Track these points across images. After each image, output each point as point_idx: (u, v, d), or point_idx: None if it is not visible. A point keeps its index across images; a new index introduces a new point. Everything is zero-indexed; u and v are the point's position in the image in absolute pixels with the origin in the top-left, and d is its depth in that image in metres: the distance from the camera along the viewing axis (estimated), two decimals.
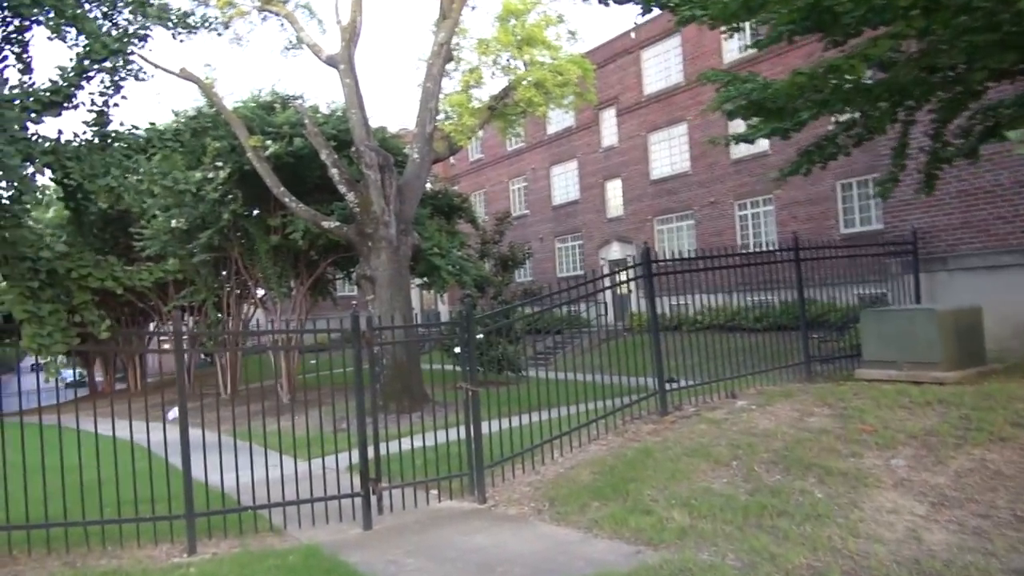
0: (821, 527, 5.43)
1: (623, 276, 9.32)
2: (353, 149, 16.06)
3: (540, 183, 33.07)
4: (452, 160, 37.94)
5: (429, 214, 20.27)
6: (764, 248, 18.51)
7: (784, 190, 22.23)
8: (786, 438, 7.33)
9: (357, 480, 7.43)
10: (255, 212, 19.36)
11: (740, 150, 23.77)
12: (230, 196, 18.04)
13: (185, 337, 7.27)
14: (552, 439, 8.41)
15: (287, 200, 16.36)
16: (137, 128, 8.73)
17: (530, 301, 8.11)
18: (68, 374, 32.59)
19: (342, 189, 15.93)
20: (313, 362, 33.54)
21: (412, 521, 7.21)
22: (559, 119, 31.54)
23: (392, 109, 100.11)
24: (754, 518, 5.78)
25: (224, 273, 21.98)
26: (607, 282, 9.60)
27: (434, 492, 8.15)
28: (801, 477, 6.40)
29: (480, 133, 37.86)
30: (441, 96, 17.58)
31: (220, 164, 17.11)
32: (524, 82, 18.48)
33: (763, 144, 22.70)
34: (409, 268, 17.23)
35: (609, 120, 29.13)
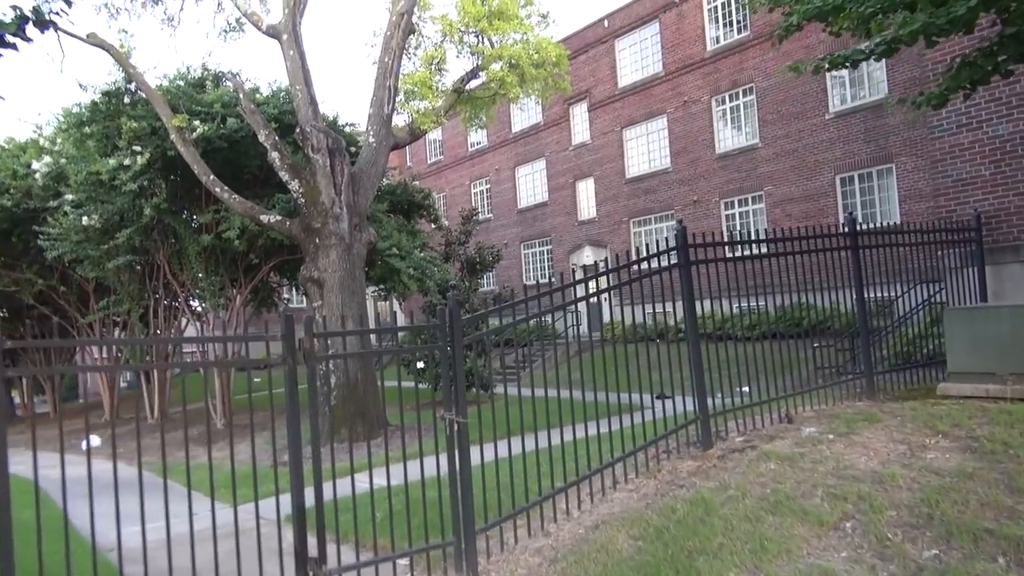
0: None
1: (655, 264, 7.07)
2: (297, 131, 13.59)
3: (504, 185, 30.85)
4: (409, 163, 35.60)
5: (387, 211, 17.84)
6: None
7: (776, 185, 20.40)
8: (913, 486, 5.14)
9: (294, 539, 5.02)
10: (184, 208, 16.67)
11: (726, 144, 21.95)
12: (152, 188, 15.37)
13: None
14: (565, 487, 6.08)
15: (218, 190, 13.79)
16: None
17: (533, 297, 5.76)
18: None
19: (284, 177, 13.44)
20: (257, 380, 30.73)
21: None
22: (525, 116, 29.44)
23: (343, 100, 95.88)
24: None
25: (152, 280, 19.16)
26: (623, 275, 7.35)
27: (403, 563, 5.80)
28: (975, 553, 4.21)
29: (439, 134, 35.69)
30: (402, 74, 15.28)
31: (138, 148, 14.46)
32: (496, 64, 16.31)
33: (752, 137, 20.92)
34: (364, 271, 14.81)
35: (580, 115, 27.09)
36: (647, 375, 6.85)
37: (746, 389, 7.37)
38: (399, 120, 16.62)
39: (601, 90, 25.89)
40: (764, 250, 7.86)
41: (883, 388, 8.51)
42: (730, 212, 21.99)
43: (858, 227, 8.42)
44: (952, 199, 10.17)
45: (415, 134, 15.98)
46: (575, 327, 8.36)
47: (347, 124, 18.55)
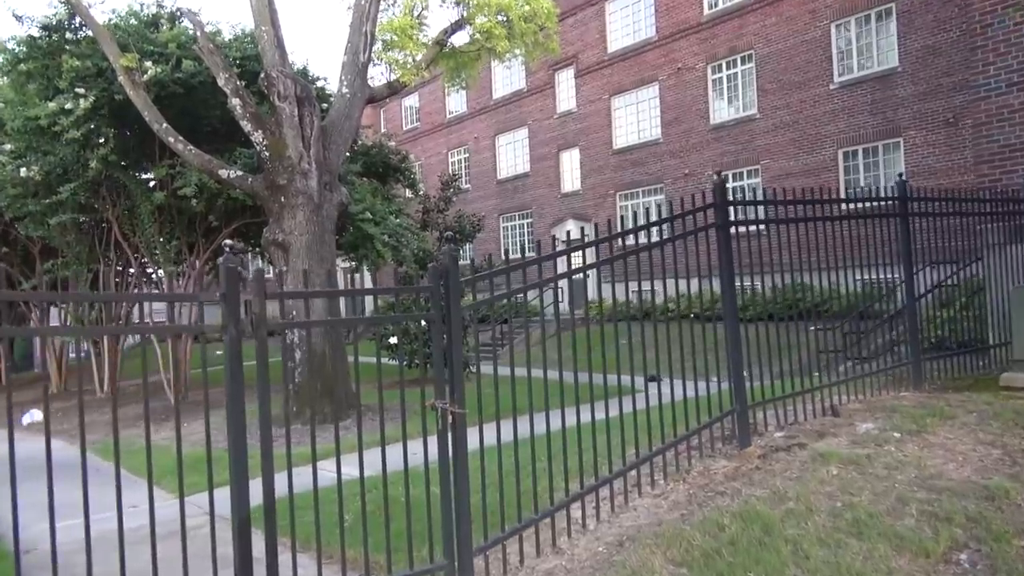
0: None
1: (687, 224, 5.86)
2: (262, 76, 12.14)
3: (484, 154, 29.47)
4: (384, 129, 34.01)
5: (360, 172, 16.43)
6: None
7: (773, 159, 19.34)
8: None
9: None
10: (136, 162, 15.12)
11: (721, 115, 20.82)
12: (98, 137, 13.81)
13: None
14: (582, 494, 4.88)
15: (171, 140, 12.30)
16: None
17: (551, 256, 4.53)
18: None
19: (247, 127, 11.99)
20: (219, 353, 29.17)
21: None
22: (508, 81, 28.04)
23: (313, 53, 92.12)
24: None
25: (102, 243, 17.57)
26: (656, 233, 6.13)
27: None
28: None
29: (416, 100, 34.11)
30: (380, 22, 13.87)
31: (81, 91, 12.88)
32: (482, 17, 14.96)
33: (750, 107, 19.82)
34: (334, 236, 13.46)
35: (566, 82, 25.75)
36: (634, 356, 5.65)
37: (744, 373, 6.10)
38: (376, 73, 15.26)
39: (589, 55, 24.57)
40: (816, 212, 6.70)
41: (927, 377, 7.45)
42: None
43: (908, 192, 7.30)
44: (997, 167, 9.11)
45: (393, 88, 14.59)
46: (557, 304, 7.15)
47: (318, 78, 17.07)
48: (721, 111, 20.90)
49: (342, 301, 22.19)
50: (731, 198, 5.92)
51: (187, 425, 13.27)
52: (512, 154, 28.24)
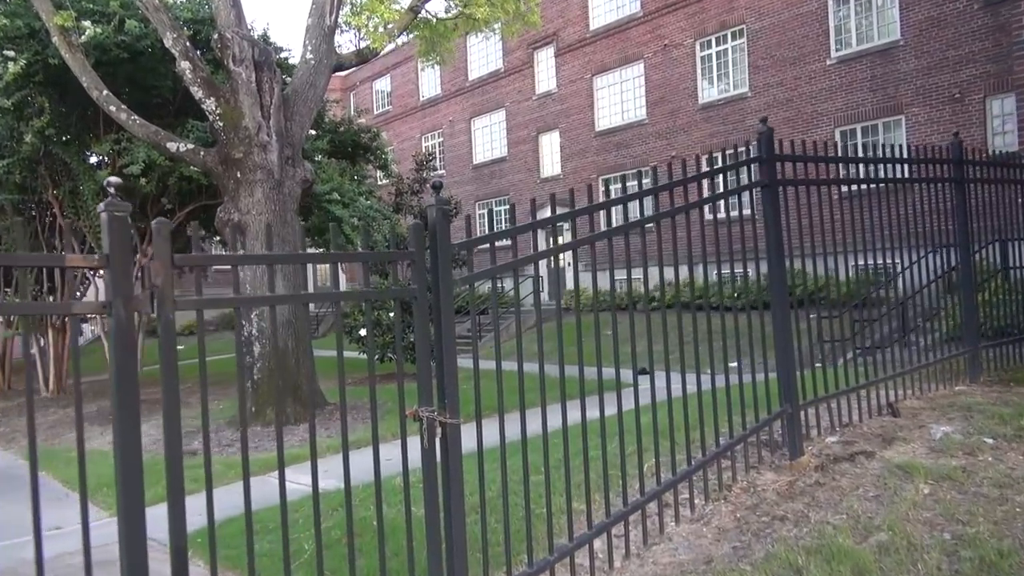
0: None
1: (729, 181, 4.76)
2: (216, 37, 10.84)
3: (459, 138, 28.22)
4: (354, 110, 32.61)
5: (327, 151, 15.16)
6: None
7: None
8: None
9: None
10: (78, 137, 13.71)
11: (712, 93, 19.80)
12: (33, 107, 12.40)
13: None
14: (608, 525, 3.74)
15: (112, 109, 10.95)
16: None
17: (585, 211, 3.42)
18: None
19: (198, 93, 10.69)
20: (181, 348, 27.68)
21: None
22: (484, 61, 26.82)
23: (275, 22, 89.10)
24: None
25: (43, 229, 16.10)
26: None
27: None
28: None
29: (387, 83, 32.71)
30: None
31: (10, 53, 11.47)
32: None
33: (741, 86, 18.84)
34: (298, 218, 12.21)
35: (546, 61, 24.58)
36: (620, 348, 4.56)
37: (733, 364, 4.81)
38: (344, 41, 14.02)
39: (570, 33, 23.43)
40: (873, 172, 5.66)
41: (985, 367, 6.45)
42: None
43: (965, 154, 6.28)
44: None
45: (363, 56, 13.33)
46: (577, 276, 6.07)
47: (281, 48, 15.74)
48: (710, 89, 19.88)
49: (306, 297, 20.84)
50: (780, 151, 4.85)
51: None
52: (489, 138, 27.03)
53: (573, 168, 23.53)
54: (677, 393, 4.33)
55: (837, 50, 17.18)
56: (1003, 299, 6.98)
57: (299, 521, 5.75)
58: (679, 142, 20.39)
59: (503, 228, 3.76)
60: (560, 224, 3.80)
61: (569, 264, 21.45)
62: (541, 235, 19.23)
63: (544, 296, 21.45)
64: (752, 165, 4.83)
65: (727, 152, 4.81)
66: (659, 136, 20.91)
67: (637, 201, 4.26)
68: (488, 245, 3.45)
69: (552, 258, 3.93)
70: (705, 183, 4.66)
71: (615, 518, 3.77)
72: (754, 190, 4.80)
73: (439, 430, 3.18)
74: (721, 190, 4.72)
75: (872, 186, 5.64)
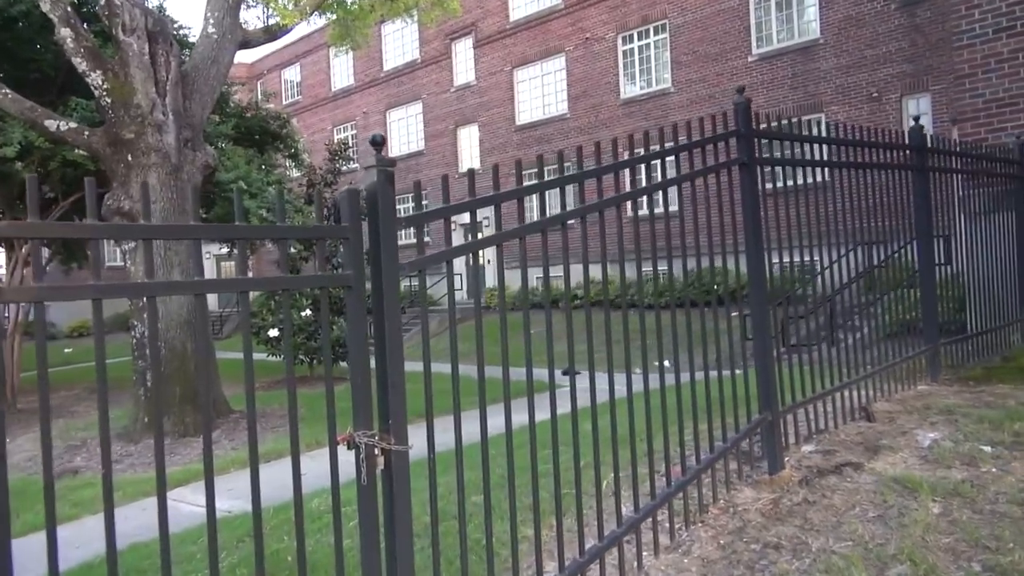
0: None
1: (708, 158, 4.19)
2: (102, 3, 9.67)
3: (374, 130, 27.12)
4: (260, 94, 31.07)
5: (232, 136, 14.01)
6: None
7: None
8: None
9: None
10: None
11: (634, 88, 19.56)
12: None
13: None
14: (582, 566, 3.08)
15: None
16: None
17: (575, 178, 2.73)
18: None
19: (81, 66, 9.48)
20: (68, 351, 25.50)
21: None
22: (400, 51, 25.88)
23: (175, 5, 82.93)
24: None
25: None
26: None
27: None
28: None
29: (297, 72, 31.24)
30: None
31: None
32: None
33: (664, 81, 18.66)
34: (199, 209, 11.07)
35: (464, 52, 23.88)
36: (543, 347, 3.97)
37: (667, 363, 4.16)
38: (251, 17, 12.94)
39: (489, 24, 22.80)
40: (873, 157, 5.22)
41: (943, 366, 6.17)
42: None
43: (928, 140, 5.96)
44: (983, 124, 8.00)
45: (271, 33, 12.31)
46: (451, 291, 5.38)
47: (181, 26, 14.51)
48: (633, 84, 19.63)
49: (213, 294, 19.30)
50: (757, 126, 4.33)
51: (10, 442, 10.65)
52: (404, 130, 26.12)
53: (493, 163, 22.87)
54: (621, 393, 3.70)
55: (758, 47, 17.18)
56: (944, 295, 6.77)
57: (196, 555, 4.89)
58: (601, 137, 20.03)
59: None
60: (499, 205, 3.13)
61: (489, 262, 20.83)
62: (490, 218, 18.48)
63: (463, 294, 20.78)
64: (728, 141, 4.27)
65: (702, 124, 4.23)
66: (581, 131, 20.54)
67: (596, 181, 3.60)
68: (442, 221, 2.74)
69: (497, 247, 3.23)
70: (669, 161, 4.06)
71: (589, 555, 3.12)
72: (731, 168, 4.24)
73: (380, 459, 2.46)
74: (688, 170, 4.14)
75: (850, 172, 5.20)
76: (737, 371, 4.21)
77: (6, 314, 13.69)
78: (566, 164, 3.47)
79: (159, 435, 2.02)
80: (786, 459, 4.32)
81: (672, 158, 3.92)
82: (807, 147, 4.93)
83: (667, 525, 3.67)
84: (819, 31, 16.11)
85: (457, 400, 2.71)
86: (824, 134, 5.31)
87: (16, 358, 13.96)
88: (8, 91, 9.70)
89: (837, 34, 15.78)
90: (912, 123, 6.06)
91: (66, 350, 23.79)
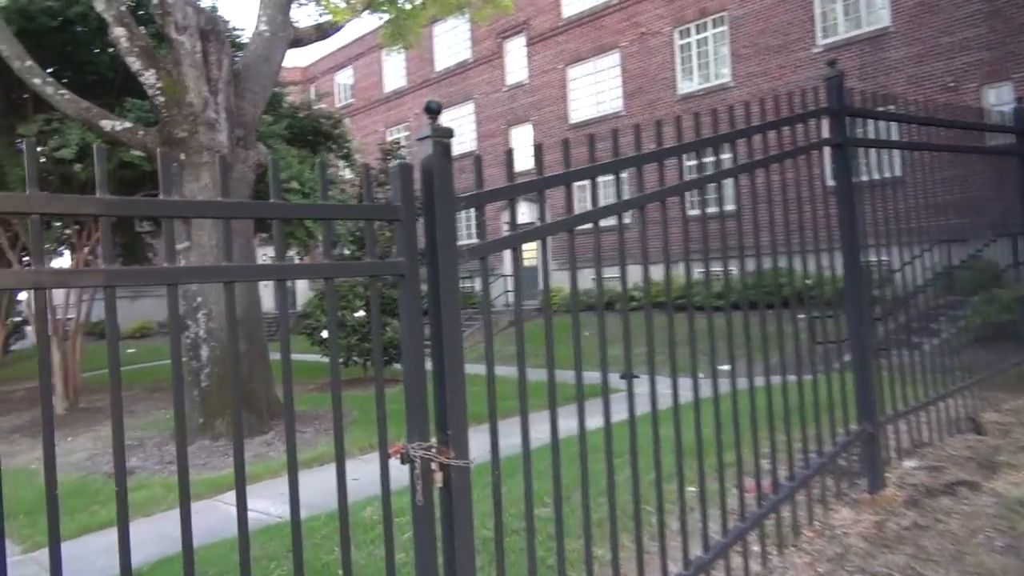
0: None
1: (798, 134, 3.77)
2: (156, 2, 9.61)
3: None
4: (313, 94, 31.28)
5: (285, 136, 13.94)
6: None
7: None
8: None
9: None
10: (2, 117, 12.30)
11: (691, 84, 18.97)
12: None
13: None
14: None
15: (37, 82, 9.65)
16: None
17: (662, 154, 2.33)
18: None
19: (135, 65, 9.45)
20: (131, 351, 25.93)
21: None
22: (452, 51, 25.71)
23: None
24: None
25: None
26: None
27: None
28: None
29: (350, 75, 31.37)
30: None
31: None
32: None
33: (723, 76, 18.04)
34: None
35: (516, 51, 23.55)
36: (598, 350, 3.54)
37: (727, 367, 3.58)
38: (301, 15, 12.83)
39: (542, 21, 22.44)
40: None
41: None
42: (692, 163, 19.07)
43: None
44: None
45: (323, 31, 12.16)
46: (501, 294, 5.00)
47: (234, 28, 14.51)
48: (690, 80, 19.04)
49: (264, 291, 19.50)
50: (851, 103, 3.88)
51: (71, 440, 10.68)
52: (457, 131, 25.88)
53: (546, 162, 22.48)
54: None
55: (823, 37, 16.45)
56: None
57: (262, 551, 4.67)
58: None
59: (472, 222, 2.71)
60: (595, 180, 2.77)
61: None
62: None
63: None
64: (820, 119, 3.84)
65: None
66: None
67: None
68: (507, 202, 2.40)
69: (569, 232, 2.88)
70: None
71: None
72: (822, 150, 3.81)
73: (438, 476, 2.12)
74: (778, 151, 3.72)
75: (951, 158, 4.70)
76: (820, 376, 3.75)
77: (69, 315, 13.87)
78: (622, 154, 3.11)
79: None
80: (887, 476, 3.86)
81: (760, 135, 3.50)
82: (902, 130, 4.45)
83: (755, 548, 3.25)
84: (889, 19, 15.32)
85: (524, 404, 2.36)
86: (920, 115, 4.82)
87: (77, 358, 14.12)
88: (65, 92, 9.72)
89: (909, 21, 14.99)
90: (1015, 105, 5.50)
91: (129, 350, 24.17)
